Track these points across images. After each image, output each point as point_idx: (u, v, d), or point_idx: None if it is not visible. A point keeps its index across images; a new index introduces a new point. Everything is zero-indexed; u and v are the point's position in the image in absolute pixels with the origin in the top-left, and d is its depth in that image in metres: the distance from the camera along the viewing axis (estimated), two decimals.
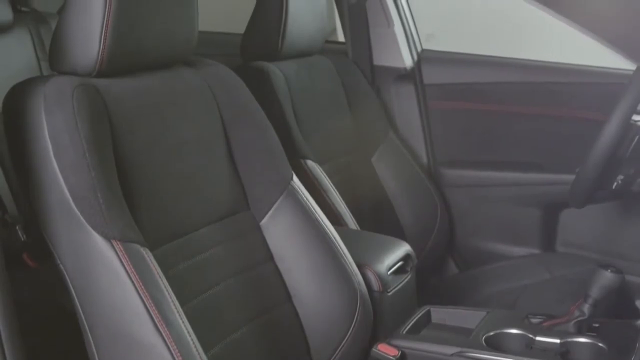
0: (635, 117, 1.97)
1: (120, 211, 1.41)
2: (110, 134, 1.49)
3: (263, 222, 1.77)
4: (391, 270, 1.89)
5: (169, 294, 1.40)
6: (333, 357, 1.75)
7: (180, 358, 1.34)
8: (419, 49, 2.86)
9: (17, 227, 1.78)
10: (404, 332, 1.81)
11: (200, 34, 1.72)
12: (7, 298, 1.31)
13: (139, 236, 1.42)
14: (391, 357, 1.72)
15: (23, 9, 3.06)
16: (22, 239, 1.76)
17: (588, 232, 2.58)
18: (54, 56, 1.52)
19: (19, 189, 1.55)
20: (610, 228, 2.53)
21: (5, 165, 2.04)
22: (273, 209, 1.76)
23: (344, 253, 1.77)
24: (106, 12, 1.45)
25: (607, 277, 1.70)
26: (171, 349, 1.33)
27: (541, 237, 2.67)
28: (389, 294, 1.87)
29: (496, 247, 2.74)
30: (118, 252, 1.36)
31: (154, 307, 1.34)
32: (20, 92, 1.46)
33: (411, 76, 2.80)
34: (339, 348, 1.74)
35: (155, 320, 1.34)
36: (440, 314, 1.91)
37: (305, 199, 1.79)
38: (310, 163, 2.22)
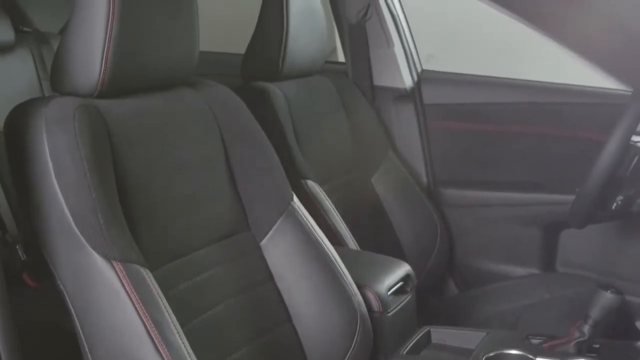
0: (635, 138, 1.97)
1: (120, 231, 1.42)
2: (111, 154, 1.50)
3: (263, 243, 1.77)
4: (391, 291, 1.89)
5: (169, 314, 1.40)
6: None
7: None
8: (419, 70, 2.87)
9: (17, 247, 1.79)
10: (404, 353, 1.80)
11: (201, 53, 1.73)
12: (8, 317, 1.31)
13: (139, 257, 1.42)
14: None
15: (25, 29, 3.08)
16: (23, 259, 1.77)
17: (588, 252, 2.58)
18: (56, 77, 1.53)
19: (20, 209, 1.55)
20: (611, 248, 2.53)
21: (5, 184, 2.05)
22: (273, 229, 1.77)
23: (344, 273, 1.77)
24: (108, 34, 1.46)
25: (607, 297, 1.69)
26: None
27: (541, 257, 2.67)
28: (389, 314, 1.87)
29: (496, 267, 2.73)
30: (118, 272, 1.36)
31: (154, 328, 1.34)
32: (22, 113, 1.47)
33: (411, 96, 2.81)
34: None
35: (156, 342, 1.34)
36: (441, 335, 1.91)
37: (305, 219, 1.79)
38: (310, 183, 2.22)
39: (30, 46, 2.98)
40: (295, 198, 1.82)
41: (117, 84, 1.53)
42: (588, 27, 0.51)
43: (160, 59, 1.61)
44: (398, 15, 2.81)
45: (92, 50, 1.47)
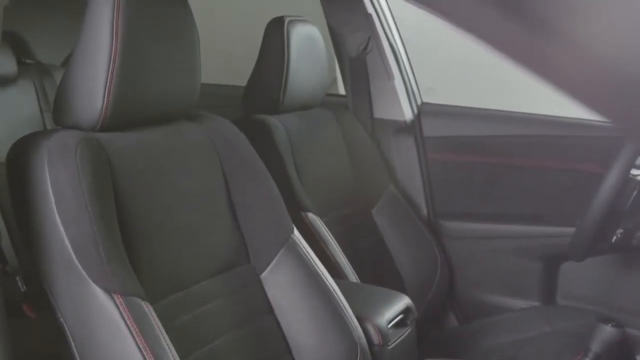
0: (634, 172, 1.98)
1: (121, 264, 1.42)
2: (112, 187, 1.50)
3: (263, 275, 1.77)
4: (391, 324, 1.89)
5: (169, 348, 1.40)
6: None
7: None
8: (419, 102, 2.88)
9: (17, 278, 1.79)
10: None
11: (202, 86, 1.74)
12: (8, 348, 1.31)
13: (139, 289, 1.43)
14: None
15: (27, 61, 3.10)
16: (23, 290, 1.77)
17: (589, 284, 2.58)
18: (58, 111, 1.54)
19: (21, 241, 1.55)
20: (611, 281, 2.53)
21: (7, 216, 2.05)
22: (274, 262, 1.77)
23: (344, 306, 1.77)
24: (110, 69, 1.47)
25: (607, 331, 1.70)
26: None
27: (542, 289, 2.67)
28: (389, 347, 1.87)
29: (497, 300, 2.73)
30: (119, 305, 1.36)
31: None
32: (25, 146, 1.48)
33: (411, 129, 2.82)
34: None
35: None
36: None
37: (305, 252, 1.79)
38: (311, 216, 2.22)
39: (32, 78, 3.00)
40: (295, 231, 1.82)
41: (119, 118, 1.54)
42: (575, 67, 0.51)
43: (162, 93, 1.62)
44: (398, 49, 2.83)
45: (94, 85, 1.48)
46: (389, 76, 2.81)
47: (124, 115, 1.55)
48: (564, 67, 0.50)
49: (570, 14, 0.49)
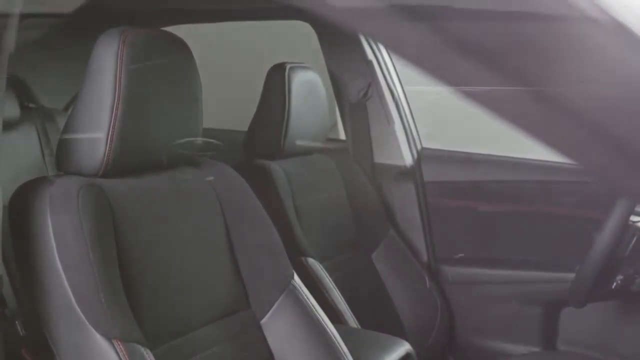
0: (634, 218, 1.99)
1: (121, 310, 1.42)
2: (114, 232, 1.51)
3: (264, 321, 1.77)
4: None
5: None
6: None
7: None
8: (419, 147, 2.89)
9: (16, 322, 1.78)
10: None
11: (204, 130, 1.76)
12: None
13: (139, 335, 1.42)
14: None
15: (30, 105, 3.10)
16: (22, 334, 1.76)
17: (589, 330, 2.57)
18: (61, 157, 1.55)
19: (21, 285, 1.56)
20: (612, 327, 2.52)
21: (7, 260, 2.05)
22: (274, 308, 1.76)
23: (344, 352, 1.76)
24: (112, 116, 1.48)
25: None
26: None
27: (542, 335, 2.65)
28: None
29: (497, 345, 2.71)
30: (119, 352, 1.36)
31: None
32: (27, 191, 1.49)
33: (411, 174, 2.83)
34: None
35: None
36: None
37: (305, 297, 1.79)
38: (311, 261, 2.23)
39: (35, 122, 3.00)
40: (295, 276, 1.82)
41: (121, 164, 1.55)
42: (569, 130, 0.52)
43: (163, 139, 1.64)
44: (398, 95, 2.85)
45: (97, 132, 1.49)
46: (389, 121, 2.83)
47: (125, 162, 1.56)
48: (560, 132, 0.51)
49: (566, 84, 0.50)
